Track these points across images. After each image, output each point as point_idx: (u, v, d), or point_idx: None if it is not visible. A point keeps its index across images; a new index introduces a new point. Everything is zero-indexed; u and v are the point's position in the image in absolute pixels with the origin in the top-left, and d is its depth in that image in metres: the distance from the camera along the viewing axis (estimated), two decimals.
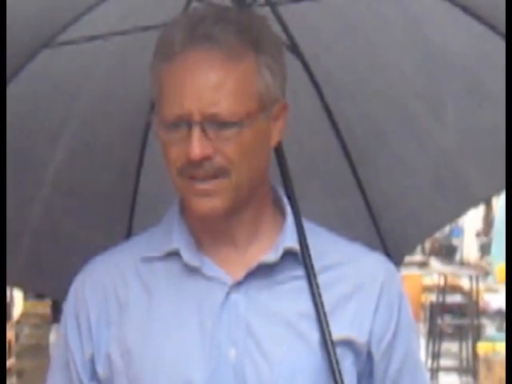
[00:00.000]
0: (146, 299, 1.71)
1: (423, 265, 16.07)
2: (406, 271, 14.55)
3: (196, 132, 1.59)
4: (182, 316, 1.69)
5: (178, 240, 1.72)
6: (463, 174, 2.35)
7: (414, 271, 14.66)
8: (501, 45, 2.03)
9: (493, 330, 10.73)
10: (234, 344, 1.65)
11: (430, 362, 10.66)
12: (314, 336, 1.68)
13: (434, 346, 10.78)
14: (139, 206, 2.43)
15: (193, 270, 1.69)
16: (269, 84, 1.66)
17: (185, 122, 1.60)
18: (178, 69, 1.63)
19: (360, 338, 1.73)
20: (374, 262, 1.84)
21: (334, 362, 1.66)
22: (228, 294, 1.68)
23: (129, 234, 2.40)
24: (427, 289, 12.65)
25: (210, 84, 1.61)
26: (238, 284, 1.69)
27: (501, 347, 9.60)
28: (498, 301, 11.14)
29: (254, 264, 1.69)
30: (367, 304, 1.76)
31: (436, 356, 10.71)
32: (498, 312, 10.81)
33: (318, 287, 1.71)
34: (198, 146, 1.58)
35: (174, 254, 1.71)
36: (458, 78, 2.21)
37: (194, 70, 1.62)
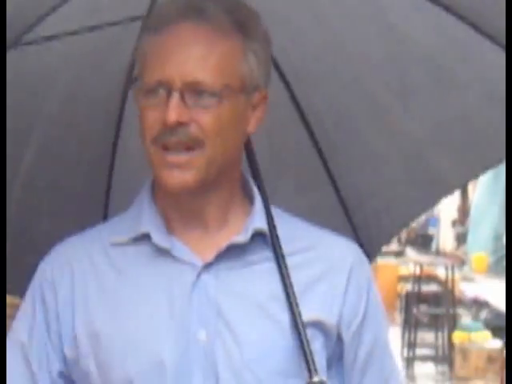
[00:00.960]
0: (114, 282, 1.71)
1: (399, 254, 16.41)
2: (381, 260, 14.70)
3: (175, 98, 1.61)
4: (151, 298, 1.69)
5: (148, 223, 1.72)
6: (434, 163, 2.35)
7: (390, 260, 14.90)
8: (470, 33, 2.04)
9: (468, 320, 10.72)
10: (204, 326, 1.66)
11: (405, 351, 10.78)
12: (285, 317, 1.70)
13: (409, 335, 10.87)
14: (113, 203, 2.40)
15: (163, 253, 1.69)
16: (253, 69, 1.70)
17: (164, 88, 1.63)
18: (166, 39, 1.67)
19: (330, 319, 1.74)
20: (343, 247, 1.87)
21: (305, 343, 1.66)
22: (198, 275, 1.68)
23: None
24: (403, 278, 12.79)
25: (195, 54, 1.65)
26: (208, 265, 1.69)
27: (476, 336, 9.99)
28: (473, 290, 11.33)
29: (223, 245, 1.71)
30: (337, 286, 1.78)
31: (412, 345, 10.79)
32: (474, 301, 10.90)
33: (286, 268, 1.72)
34: (174, 112, 1.60)
35: (144, 237, 1.71)
36: (426, 67, 2.21)
37: (181, 40, 1.67)
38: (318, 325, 1.73)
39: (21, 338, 1.74)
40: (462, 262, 13.33)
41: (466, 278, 11.94)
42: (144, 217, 1.74)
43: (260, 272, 1.75)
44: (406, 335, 11.00)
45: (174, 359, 1.65)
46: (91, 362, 1.67)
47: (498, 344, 9.50)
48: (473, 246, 14.45)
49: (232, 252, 1.72)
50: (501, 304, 9.80)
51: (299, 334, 1.67)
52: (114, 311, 1.69)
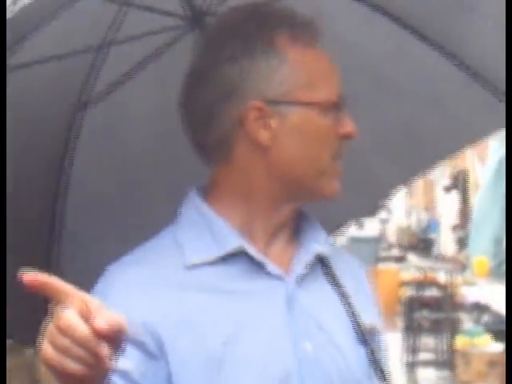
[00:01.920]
0: (214, 303, 1.63)
1: (400, 259, 17.00)
2: (383, 266, 15.69)
3: (346, 110, 1.71)
4: (257, 316, 1.65)
5: (235, 238, 1.66)
6: (373, 169, 2.35)
7: (391, 266, 15.48)
8: (412, 41, 2.13)
9: (470, 324, 10.64)
10: (308, 338, 1.65)
11: (407, 356, 10.89)
12: (351, 328, 1.73)
13: (411, 340, 10.95)
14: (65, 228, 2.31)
15: (255, 268, 1.66)
16: None
17: (339, 103, 1.67)
18: (322, 54, 1.70)
19: (377, 323, 1.82)
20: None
21: (375, 350, 1.71)
22: (289, 289, 1.66)
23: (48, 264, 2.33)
24: (404, 283, 12.85)
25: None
26: (295, 278, 1.68)
27: (478, 341, 9.83)
28: (475, 294, 11.44)
29: (309, 257, 1.71)
30: (365, 292, 1.86)
31: (413, 350, 10.91)
32: (476, 305, 10.98)
33: (338, 280, 1.76)
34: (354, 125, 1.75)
35: (235, 254, 1.65)
36: (368, 75, 2.24)
37: (327, 56, 1.72)
38: (374, 330, 1.77)
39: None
40: (463, 267, 13.46)
41: (467, 283, 12.02)
42: (223, 232, 1.68)
43: (325, 283, 1.75)
44: (408, 340, 11.08)
45: (297, 372, 1.62)
46: None
47: (499, 348, 9.30)
48: (474, 250, 14.52)
49: (309, 265, 1.75)
50: (502, 308, 9.88)
51: (366, 342, 1.70)
52: (229, 334, 1.61)
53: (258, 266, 1.67)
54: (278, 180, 1.71)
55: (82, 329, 1.19)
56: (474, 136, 2.48)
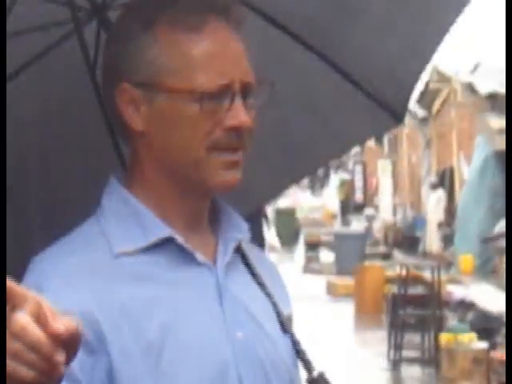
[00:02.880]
0: (153, 292, 1.58)
1: (386, 256, 17.00)
2: (368, 263, 15.59)
3: (239, 101, 1.57)
4: (190, 305, 1.61)
5: (161, 227, 1.63)
6: (251, 178, 1.96)
7: (377, 263, 15.32)
8: (292, 47, 2.07)
9: (455, 321, 10.75)
10: (240, 327, 1.61)
11: (392, 353, 11.01)
12: (275, 317, 1.70)
13: (396, 337, 10.97)
14: None
15: (184, 257, 1.62)
16: None
17: (227, 92, 1.57)
18: (209, 39, 1.59)
19: (292, 315, 1.83)
20: (257, 248, 1.90)
21: (295, 339, 1.67)
22: (218, 277, 1.64)
23: None
24: (390, 280, 12.89)
25: (242, 55, 1.62)
26: (222, 267, 1.64)
27: (462, 338, 9.90)
28: (460, 292, 11.68)
29: (232, 245, 1.67)
30: (280, 283, 1.82)
31: (398, 347, 10.94)
32: (461, 303, 11.16)
33: (256, 269, 1.72)
34: (246, 115, 1.57)
35: (159, 244, 1.60)
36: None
37: (225, 41, 1.61)
38: (290, 320, 1.78)
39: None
40: (449, 264, 13.93)
41: (452, 280, 12.42)
42: (149, 221, 1.64)
43: (244, 270, 1.73)
44: (393, 337, 11.12)
45: (232, 360, 1.59)
46: (149, 378, 1.54)
47: (484, 346, 9.63)
48: (459, 247, 15.15)
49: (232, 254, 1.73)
50: (487, 306, 10.54)
51: (289, 331, 1.67)
52: (165, 322, 1.56)
53: (185, 255, 1.62)
54: (162, 169, 1.64)
55: (35, 333, 1.11)
56: (352, 141, 2.48)
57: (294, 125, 2.23)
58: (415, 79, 2.24)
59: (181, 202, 1.67)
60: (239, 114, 1.57)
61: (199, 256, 1.65)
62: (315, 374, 1.69)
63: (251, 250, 1.80)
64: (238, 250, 1.74)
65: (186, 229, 1.67)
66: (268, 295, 1.76)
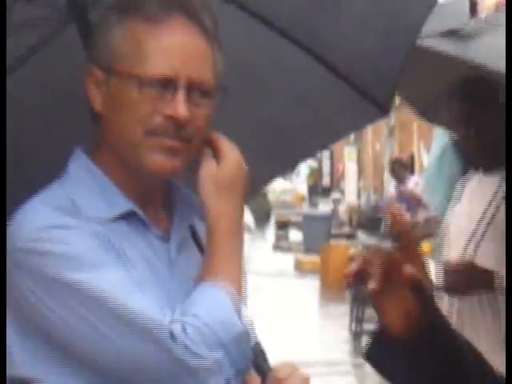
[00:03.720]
0: (106, 251, 1.63)
1: (350, 237, 17.48)
2: (334, 242, 16.00)
3: (182, 94, 1.62)
4: (143, 274, 1.65)
5: (125, 200, 1.70)
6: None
7: (342, 242, 15.78)
8: (280, 41, 2.13)
9: None
10: (183, 288, 1.69)
11: (354, 325, 11.35)
12: None
13: (357, 311, 11.26)
14: None
15: (142, 227, 1.71)
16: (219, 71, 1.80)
17: (170, 83, 1.64)
18: (165, 30, 1.66)
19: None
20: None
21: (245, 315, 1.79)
22: (171, 251, 1.74)
23: None
24: (353, 258, 12.67)
25: (198, 53, 1.67)
26: (177, 242, 1.77)
27: None
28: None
29: (186, 223, 1.79)
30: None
31: (359, 320, 11.20)
32: None
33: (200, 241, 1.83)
34: (185, 108, 1.62)
35: (125, 215, 1.70)
36: (236, 73, 2.10)
37: (181, 35, 1.66)
38: None
39: None
40: None
41: None
42: (113, 194, 1.71)
43: (191, 243, 1.82)
44: (355, 311, 11.36)
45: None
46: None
47: None
48: None
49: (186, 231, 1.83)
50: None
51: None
52: (122, 282, 1.62)
53: (144, 228, 1.68)
54: (112, 150, 1.70)
55: None
56: (339, 133, 2.53)
57: (285, 116, 2.23)
58: (396, 72, 2.20)
59: (131, 181, 1.71)
60: (178, 106, 1.61)
61: (156, 230, 1.72)
62: (252, 343, 1.73)
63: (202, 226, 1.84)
64: (191, 227, 1.80)
65: (140, 205, 1.71)
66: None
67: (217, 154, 1.72)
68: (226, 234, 1.71)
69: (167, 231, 1.76)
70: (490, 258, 3.21)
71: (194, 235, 1.79)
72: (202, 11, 1.69)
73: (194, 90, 1.66)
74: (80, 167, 1.74)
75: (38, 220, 1.62)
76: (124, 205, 1.70)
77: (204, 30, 1.69)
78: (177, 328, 1.53)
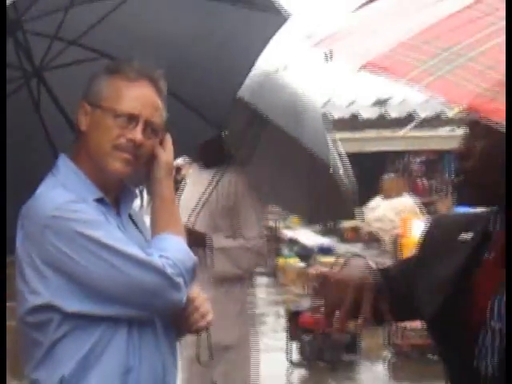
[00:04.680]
0: (104, 225, 2.09)
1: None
2: None
3: (140, 127, 2.03)
4: (111, 233, 2.10)
5: (96, 190, 2.10)
6: None
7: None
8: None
9: (286, 251, 13.94)
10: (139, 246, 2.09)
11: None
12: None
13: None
14: None
15: (107, 208, 2.11)
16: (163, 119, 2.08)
17: (133, 119, 2.04)
18: (134, 87, 2.07)
19: None
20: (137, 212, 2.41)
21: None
22: (121, 221, 2.17)
23: None
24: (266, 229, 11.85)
25: (154, 104, 2.08)
26: (121, 215, 2.20)
27: (290, 260, 13.06)
28: (290, 234, 15.48)
29: (126, 208, 2.23)
30: (147, 229, 2.38)
31: None
32: (290, 240, 14.59)
33: (140, 227, 2.29)
34: (141, 136, 2.02)
35: (98, 199, 2.09)
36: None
37: (145, 91, 2.09)
38: None
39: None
40: (285, 218, 17.32)
41: (287, 227, 16.14)
42: (89, 186, 2.09)
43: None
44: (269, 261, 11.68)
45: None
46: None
47: (302, 265, 12.08)
48: None
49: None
50: (305, 241, 13.62)
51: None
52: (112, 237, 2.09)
53: (108, 210, 2.09)
54: (89, 156, 2.08)
55: None
56: (181, 148, 2.52)
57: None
58: (227, 106, 2.70)
59: (99, 178, 2.08)
60: (137, 134, 1.99)
61: (114, 210, 2.12)
62: None
63: (135, 211, 2.26)
64: (130, 215, 2.21)
65: (104, 194, 2.11)
66: (143, 235, 2.21)
67: (163, 146, 2.15)
68: (169, 200, 2.16)
69: (117, 210, 2.13)
70: (203, 226, 4.15)
71: (131, 217, 2.21)
72: (158, 80, 2.07)
73: (148, 127, 2.03)
74: (66, 166, 2.06)
75: (58, 196, 1.98)
76: (97, 193, 2.02)
77: (158, 91, 2.07)
78: (162, 262, 2.01)
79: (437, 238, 1.89)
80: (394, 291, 1.86)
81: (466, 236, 1.79)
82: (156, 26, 2.38)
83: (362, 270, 1.85)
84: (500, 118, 0.98)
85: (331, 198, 4.26)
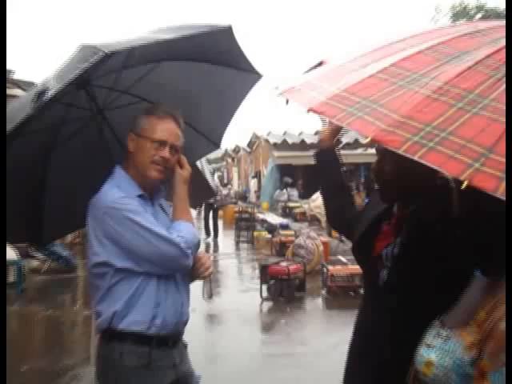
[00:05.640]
0: (146, 212, 2.01)
1: (235, 203, 20.19)
2: (228, 206, 18.03)
3: (168, 148, 2.00)
4: (151, 216, 2.05)
5: (138, 189, 2.04)
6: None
7: (231, 206, 18.16)
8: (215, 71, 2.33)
9: (259, 227, 13.52)
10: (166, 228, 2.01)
11: (235, 238, 13.59)
12: None
13: (238, 233, 13.58)
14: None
15: (147, 201, 2.06)
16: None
17: (163, 143, 2.01)
18: (163, 122, 2.02)
19: None
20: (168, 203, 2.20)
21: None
22: (154, 209, 2.12)
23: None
24: (236, 212, 15.16)
25: (176, 134, 2.03)
26: (154, 205, 2.13)
27: (261, 233, 12.55)
28: (262, 216, 15.59)
29: (158, 201, 2.16)
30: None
31: (238, 236, 13.54)
32: (262, 220, 14.32)
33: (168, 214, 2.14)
34: (169, 154, 2.00)
35: (140, 195, 2.04)
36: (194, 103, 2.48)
37: (170, 125, 2.03)
38: None
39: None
40: (258, 206, 19.53)
41: (259, 212, 16.38)
42: (135, 186, 2.03)
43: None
44: (237, 233, 13.55)
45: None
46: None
47: (269, 236, 11.76)
48: (262, 199, 21.96)
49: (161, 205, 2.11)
50: (271, 221, 13.48)
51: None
52: (151, 219, 2.02)
53: (146, 201, 2.04)
54: (135, 167, 2.02)
55: None
56: (200, 154, 2.74)
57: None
58: (223, 131, 2.64)
59: (141, 182, 2.04)
60: (165, 153, 1.97)
61: (150, 203, 2.07)
62: None
63: (164, 202, 2.16)
64: (161, 205, 2.12)
65: (144, 191, 2.07)
66: (168, 219, 2.11)
67: (180, 164, 2.07)
68: (183, 199, 2.07)
69: (152, 202, 2.06)
70: None
71: (161, 206, 2.12)
72: (178, 117, 2.03)
73: (172, 148, 2.00)
74: (120, 174, 2.01)
75: (115, 193, 1.94)
76: (139, 191, 1.98)
77: (179, 124, 2.02)
78: (179, 240, 1.95)
79: (372, 202, 1.91)
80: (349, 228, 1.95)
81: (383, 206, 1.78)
82: (176, 81, 2.36)
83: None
84: (395, 146, 0.94)
85: (198, 190, 3.90)
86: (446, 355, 1.03)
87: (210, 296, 2.29)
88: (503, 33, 1.05)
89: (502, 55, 1.00)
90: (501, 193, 0.82)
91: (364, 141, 1.02)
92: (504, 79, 0.95)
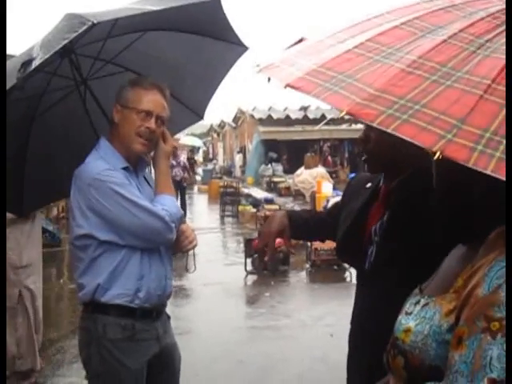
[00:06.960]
0: (130, 183, 2.00)
1: (220, 178, 20.76)
2: (213, 180, 19.10)
3: (154, 119, 1.97)
4: (134, 187, 2.05)
5: (124, 161, 2.01)
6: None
7: (216, 180, 18.93)
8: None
9: (244, 201, 13.40)
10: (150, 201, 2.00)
11: (220, 212, 13.67)
12: None
13: (223, 207, 13.70)
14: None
15: (131, 173, 2.04)
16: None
17: (149, 114, 1.98)
18: (149, 93, 2.00)
19: None
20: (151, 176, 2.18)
21: None
22: (138, 181, 2.11)
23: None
24: (221, 186, 15.13)
25: (162, 105, 2.00)
26: (138, 177, 2.10)
27: (246, 208, 12.59)
28: (247, 190, 15.63)
29: (142, 173, 2.12)
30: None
31: (223, 211, 13.57)
32: (247, 194, 14.27)
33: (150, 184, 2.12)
34: (154, 125, 1.97)
35: (125, 167, 2.02)
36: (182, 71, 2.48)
37: (156, 96, 2.01)
38: None
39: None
40: (243, 180, 19.75)
41: (244, 187, 16.33)
42: (120, 158, 2.01)
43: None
44: (222, 207, 13.64)
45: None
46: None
47: (254, 210, 11.78)
48: (247, 174, 22.01)
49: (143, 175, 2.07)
50: (256, 195, 13.58)
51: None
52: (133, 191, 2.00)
53: (130, 173, 2.03)
54: (120, 139, 1.99)
55: None
56: (177, 128, 2.60)
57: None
58: (207, 103, 2.63)
59: (126, 154, 2.02)
60: (152, 124, 1.94)
61: (134, 174, 2.05)
62: None
63: (147, 173, 2.16)
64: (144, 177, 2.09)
65: (129, 163, 2.05)
66: (152, 189, 2.10)
67: (163, 139, 2.03)
68: (165, 174, 2.06)
69: (136, 174, 2.04)
70: None
71: (145, 178, 2.12)
72: (164, 89, 2.01)
73: (158, 119, 1.97)
74: (105, 145, 1.99)
75: (99, 165, 1.92)
76: (124, 163, 1.97)
77: (165, 96, 2.00)
78: (163, 213, 1.94)
79: (353, 186, 1.89)
80: (328, 222, 1.92)
81: (368, 186, 1.79)
82: (161, 51, 2.34)
83: (281, 217, 1.88)
84: (369, 119, 0.92)
85: None
86: (425, 322, 1.03)
87: (194, 269, 2.26)
88: (479, 6, 1.04)
89: (476, 29, 0.99)
90: (472, 163, 0.82)
91: (339, 114, 1.03)
92: (479, 51, 0.96)
